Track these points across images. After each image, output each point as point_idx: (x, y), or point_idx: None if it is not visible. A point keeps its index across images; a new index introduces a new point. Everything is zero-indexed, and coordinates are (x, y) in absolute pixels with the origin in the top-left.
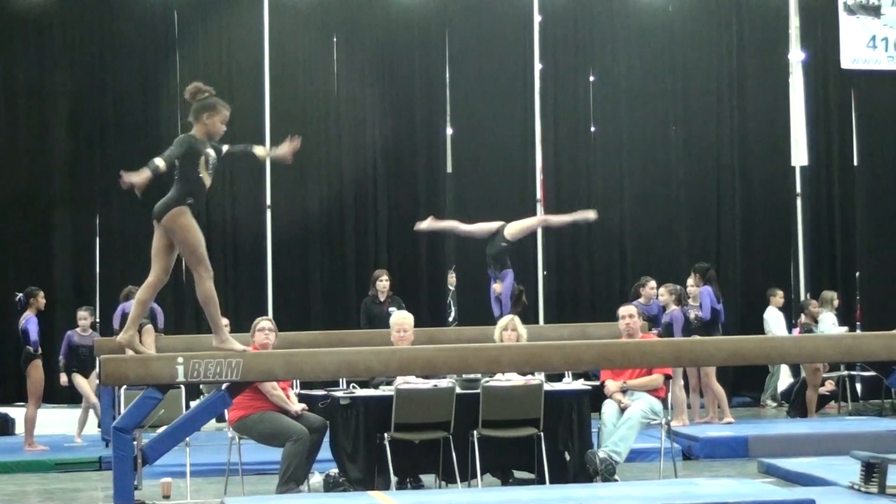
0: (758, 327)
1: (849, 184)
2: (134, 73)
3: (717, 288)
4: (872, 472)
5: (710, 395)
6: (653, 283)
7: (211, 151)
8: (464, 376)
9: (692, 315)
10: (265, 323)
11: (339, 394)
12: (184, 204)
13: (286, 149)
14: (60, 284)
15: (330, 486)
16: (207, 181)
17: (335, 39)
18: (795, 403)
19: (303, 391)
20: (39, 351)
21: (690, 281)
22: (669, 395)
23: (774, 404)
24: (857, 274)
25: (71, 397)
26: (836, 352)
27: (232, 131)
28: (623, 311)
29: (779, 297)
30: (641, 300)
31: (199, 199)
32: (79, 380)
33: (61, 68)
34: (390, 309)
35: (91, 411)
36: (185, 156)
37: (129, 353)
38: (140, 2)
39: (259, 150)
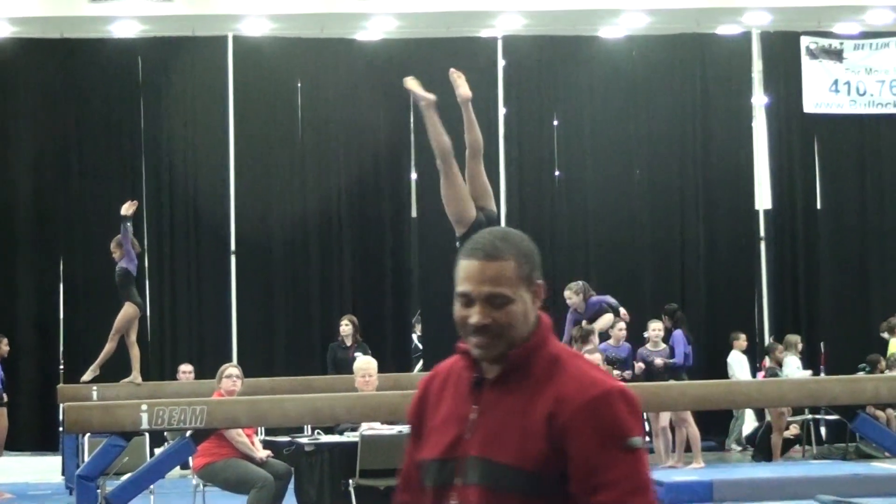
0: (722, 371)
1: (812, 227)
2: (98, 117)
3: (686, 329)
4: None
5: (679, 438)
6: (621, 324)
7: None
8: None
9: (657, 361)
10: (233, 370)
11: (303, 440)
12: None
13: None
14: (23, 330)
15: None
16: None
17: (299, 84)
18: (760, 447)
19: (267, 437)
20: (4, 398)
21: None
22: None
23: (739, 448)
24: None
25: (38, 444)
26: (800, 396)
27: (195, 175)
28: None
29: (742, 340)
30: (611, 342)
31: None
32: None
33: (25, 113)
34: (355, 354)
35: None
36: None
37: None
38: (104, 47)
39: None
